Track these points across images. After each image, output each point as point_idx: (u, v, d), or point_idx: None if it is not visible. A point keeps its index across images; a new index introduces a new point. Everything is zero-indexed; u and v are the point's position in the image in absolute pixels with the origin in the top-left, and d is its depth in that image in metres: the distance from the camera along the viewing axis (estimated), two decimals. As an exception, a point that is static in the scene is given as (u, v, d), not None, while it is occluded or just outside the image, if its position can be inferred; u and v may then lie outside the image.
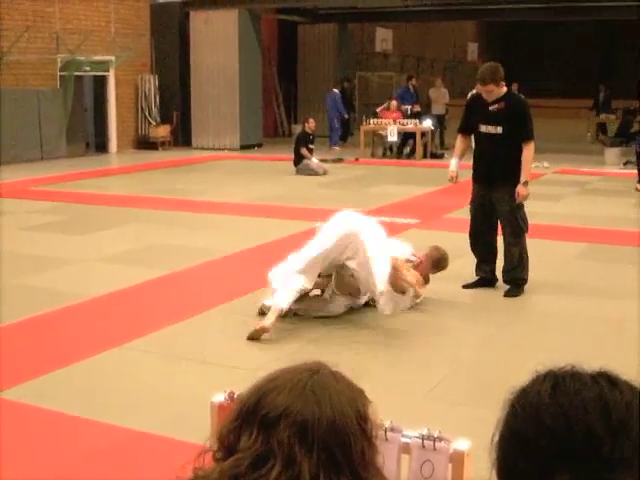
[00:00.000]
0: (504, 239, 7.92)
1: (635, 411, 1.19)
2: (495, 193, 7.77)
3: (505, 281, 7.94)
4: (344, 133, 25.02)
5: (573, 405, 1.20)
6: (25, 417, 5.01)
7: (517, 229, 7.83)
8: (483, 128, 7.77)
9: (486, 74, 7.63)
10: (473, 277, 8.09)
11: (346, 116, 23.83)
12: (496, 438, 1.28)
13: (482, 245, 8.01)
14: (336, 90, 23.67)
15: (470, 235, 8.10)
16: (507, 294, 7.79)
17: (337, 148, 22.14)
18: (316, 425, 1.45)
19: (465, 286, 7.99)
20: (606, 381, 1.23)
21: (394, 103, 21.45)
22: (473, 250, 8.12)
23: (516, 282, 7.88)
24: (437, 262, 7.56)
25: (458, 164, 8.15)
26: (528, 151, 7.66)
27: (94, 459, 4.47)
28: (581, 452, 1.17)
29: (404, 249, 7.55)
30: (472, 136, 8.21)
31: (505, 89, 7.77)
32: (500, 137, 7.66)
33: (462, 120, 8.28)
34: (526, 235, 7.94)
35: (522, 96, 7.98)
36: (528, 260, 7.92)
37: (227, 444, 1.50)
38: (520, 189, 7.65)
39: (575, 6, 22.77)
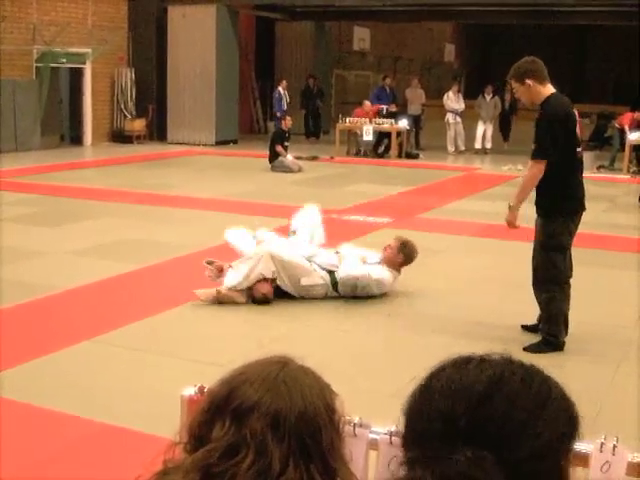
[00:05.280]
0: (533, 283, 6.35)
1: (501, 393, 1.21)
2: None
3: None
4: (315, 130, 24.92)
5: (442, 388, 1.24)
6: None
7: (545, 273, 6.16)
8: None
9: (512, 68, 6.23)
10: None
11: (278, 114, 23.11)
12: None
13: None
14: (280, 88, 23.40)
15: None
16: (525, 347, 6.12)
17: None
18: (288, 416, 1.48)
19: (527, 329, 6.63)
20: (488, 364, 1.25)
21: (367, 103, 21.46)
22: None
23: (543, 337, 6.27)
24: (403, 246, 7.53)
25: None
26: (529, 170, 6.23)
27: (63, 452, 4.46)
28: (437, 429, 1.20)
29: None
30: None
31: (547, 92, 6.07)
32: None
33: None
34: (564, 286, 6.21)
35: (563, 99, 6.15)
36: (562, 316, 6.25)
37: (198, 436, 1.53)
38: (507, 214, 6.36)
39: (551, 10, 22.90)
